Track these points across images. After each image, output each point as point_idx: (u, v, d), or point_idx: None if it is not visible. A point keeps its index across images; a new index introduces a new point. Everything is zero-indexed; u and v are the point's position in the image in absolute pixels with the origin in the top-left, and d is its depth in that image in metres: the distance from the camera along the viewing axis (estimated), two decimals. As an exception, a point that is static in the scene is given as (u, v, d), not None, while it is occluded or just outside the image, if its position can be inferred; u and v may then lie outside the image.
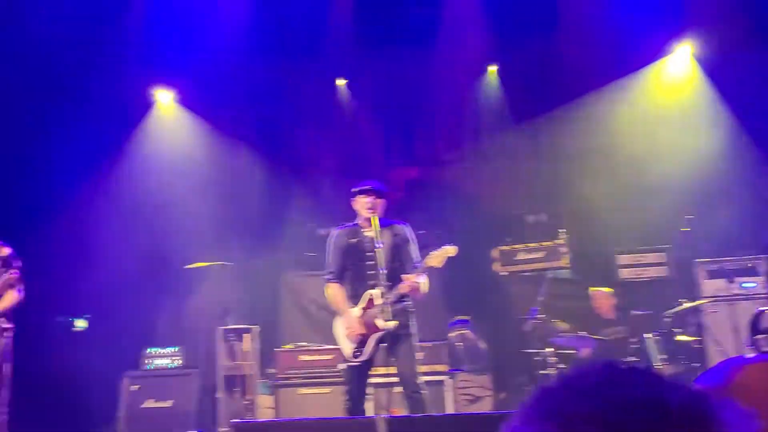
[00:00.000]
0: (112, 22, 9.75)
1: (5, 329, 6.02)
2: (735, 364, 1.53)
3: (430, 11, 9.91)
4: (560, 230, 8.83)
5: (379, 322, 5.77)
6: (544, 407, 0.77)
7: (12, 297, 5.95)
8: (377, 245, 5.95)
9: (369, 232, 6.06)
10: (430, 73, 10.15)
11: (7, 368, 6.03)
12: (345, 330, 6.00)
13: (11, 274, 5.87)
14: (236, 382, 8.49)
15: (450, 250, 5.87)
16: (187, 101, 10.57)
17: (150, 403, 8.31)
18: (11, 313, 6.12)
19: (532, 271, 8.94)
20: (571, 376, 0.81)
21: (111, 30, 9.82)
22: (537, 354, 7.98)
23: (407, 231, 6.25)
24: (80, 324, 9.41)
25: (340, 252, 6.17)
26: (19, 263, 6.05)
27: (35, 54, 9.27)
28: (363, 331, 5.86)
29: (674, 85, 9.96)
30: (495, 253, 9.10)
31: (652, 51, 9.90)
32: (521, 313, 8.45)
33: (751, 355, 1.88)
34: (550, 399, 0.78)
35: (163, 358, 8.79)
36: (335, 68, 10.45)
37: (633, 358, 7.75)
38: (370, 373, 6.08)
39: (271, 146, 10.45)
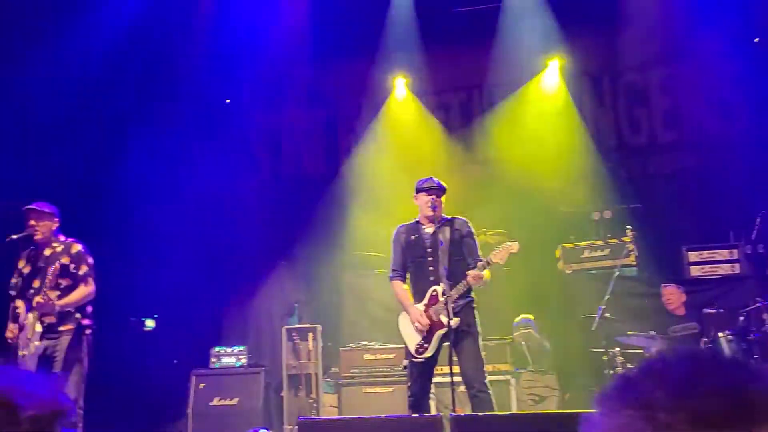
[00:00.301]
0: (185, 36, 10.20)
1: (86, 327, 6.08)
2: None
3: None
4: (627, 227, 8.57)
5: (443, 318, 5.70)
6: (628, 395, 0.77)
7: (83, 291, 5.97)
8: (440, 243, 5.93)
9: (429, 229, 6.08)
10: (489, 70, 10.05)
11: (85, 365, 6.11)
12: (409, 326, 5.95)
13: (84, 265, 5.96)
14: (300, 381, 8.55)
15: (513, 246, 5.84)
16: (250, 106, 10.62)
17: (217, 401, 8.41)
18: (90, 312, 6.13)
19: (598, 269, 8.80)
20: (654, 364, 0.81)
21: (181, 42, 10.23)
22: (603, 353, 7.80)
23: (467, 226, 6.20)
24: (150, 324, 9.63)
25: (401, 249, 6.21)
26: (91, 260, 6.14)
27: (116, 65, 9.62)
28: (423, 325, 5.82)
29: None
30: (559, 251, 8.95)
31: None
32: (587, 311, 8.21)
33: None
34: (634, 387, 0.78)
35: (229, 356, 8.91)
36: (396, 66, 10.46)
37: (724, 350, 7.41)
38: (433, 371, 6.03)
39: (331, 147, 10.54)
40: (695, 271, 8.87)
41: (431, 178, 6.23)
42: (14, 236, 6.12)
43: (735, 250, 8.77)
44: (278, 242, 9.78)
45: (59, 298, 5.84)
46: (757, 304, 7.75)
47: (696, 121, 9.59)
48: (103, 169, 9.81)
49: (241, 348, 8.94)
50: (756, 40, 7.55)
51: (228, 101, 10.64)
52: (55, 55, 8.93)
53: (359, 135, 10.49)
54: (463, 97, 10.43)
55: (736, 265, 8.74)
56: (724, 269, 8.83)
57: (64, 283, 5.91)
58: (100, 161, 9.75)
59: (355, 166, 10.34)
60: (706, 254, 8.90)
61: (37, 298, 5.74)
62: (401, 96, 10.58)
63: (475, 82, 10.30)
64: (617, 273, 7.88)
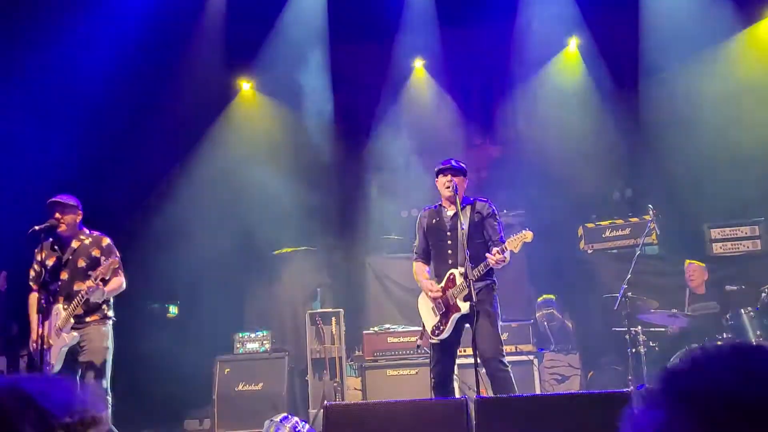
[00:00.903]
0: (197, 22, 10.17)
1: (110, 317, 6.14)
2: None
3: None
4: (648, 206, 8.53)
5: (459, 302, 5.75)
6: (675, 389, 0.77)
7: (118, 282, 6.01)
8: (461, 227, 5.91)
9: (450, 212, 6.07)
10: (508, 51, 10.00)
11: (111, 354, 6.13)
12: (427, 307, 6.02)
13: (114, 258, 5.97)
14: (324, 365, 8.60)
15: (527, 236, 5.80)
16: (267, 90, 10.73)
17: (242, 387, 8.48)
18: (112, 304, 6.19)
19: (620, 248, 8.86)
20: (698, 358, 0.80)
21: (195, 28, 10.23)
22: (626, 332, 7.79)
23: (488, 207, 6.17)
24: (173, 310, 9.91)
25: (422, 232, 6.23)
26: (118, 253, 6.16)
27: (133, 55, 9.56)
28: (441, 305, 5.86)
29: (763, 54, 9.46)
30: (580, 230, 8.95)
31: (744, 16, 9.49)
32: (609, 291, 8.30)
33: None
34: (680, 381, 0.78)
35: (253, 342, 8.99)
36: (414, 49, 10.37)
37: (727, 335, 7.54)
38: (456, 352, 6.05)
39: (352, 131, 10.57)
40: (717, 249, 8.90)
41: (450, 159, 6.20)
42: (37, 227, 6.09)
43: (756, 227, 8.77)
44: (300, 227, 9.71)
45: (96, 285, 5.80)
46: None
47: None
48: (126, 160, 9.92)
49: (265, 333, 9.00)
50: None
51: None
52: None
53: (379, 119, 10.41)
54: (483, 79, 10.28)
55: (758, 241, 8.72)
56: (746, 246, 8.84)
57: (96, 272, 5.85)
58: (124, 152, 9.88)
59: (376, 150, 10.28)
60: (728, 231, 8.90)
61: (89, 282, 5.69)
62: (419, 79, 10.51)
63: (494, 63, 10.14)
64: (639, 252, 7.87)
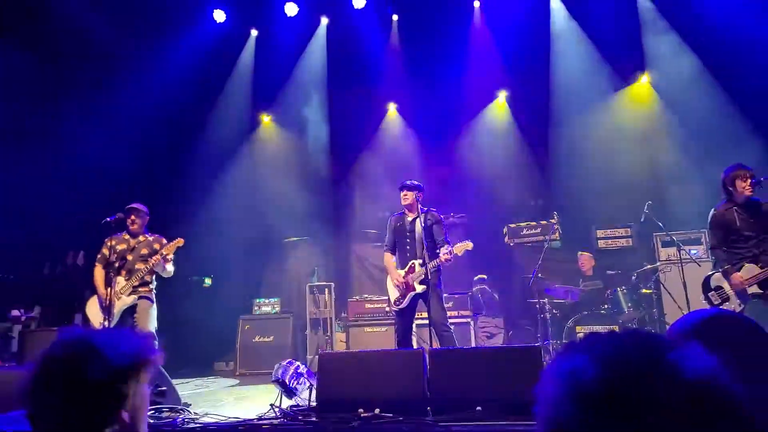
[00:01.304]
0: (232, 69, 10.40)
1: (154, 289, 6.03)
2: (699, 314, 1.46)
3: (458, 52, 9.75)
4: (554, 212, 8.76)
5: (416, 285, 5.91)
6: (570, 348, 0.77)
7: (171, 267, 5.96)
8: (418, 229, 6.09)
9: (410, 217, 6.19)
10: (456, 99, 10.02)
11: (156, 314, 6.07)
12: (392, 285, 6.13)
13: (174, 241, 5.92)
14: (319, 324, 8.70)
15: (469, 245, 5.95)
16: (281, 122, 10.77)
17: (258, 339, 8.56)
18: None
19: (533, 242, 8.97)
20: (588, 337, 0.79)
21: (230, 73, 10.43)
22: (536, 302, 8.00)
23: (437, 216, 6.25)
24: (207, 281, 9.87)
25: (391, 232, 6.32)
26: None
27: (184, 92, 9.69)
28: (403, 287, 5.98)
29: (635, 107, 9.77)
30: (505, 229, 9.19)
31: (621, 80, 9.71)
32: (525, 272, 8.54)
33: (708, 307, 1.71)
34: (574, 345, 0.78)
35: (267, 306, 9.04)
36: (389, 95, 10.44)
37: (607, 305, 7.73)
38: (413, 317, 6.16)
39: (342, 153, 10.58)
40: (601, 244, 9.10)
41: (406, 180, 6.31)
42: (108, 219, 5.90)
43: (629, 229, 8.99)
44: (303, 222, 9.73)
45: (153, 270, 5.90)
46: (644, 268, 8.10)
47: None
48: (181, 167, 10.01)
49: (276, 300, 9.05)
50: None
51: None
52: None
53: (362, 145, 10.51)
54: (439, 118, 10.34)
55: (630, 239, 8.95)
56: (621, 242, 9.02)
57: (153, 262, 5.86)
58: (179, 161, 10.05)
59: (359, 167, 10.39)
60: (609, 231, 9.08)
61: (156, 257, 5.73)
62: (392, 117, 10.57)
63: (446, 106, 10.13)
64: (546, 245, 8.07)
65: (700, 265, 7.39)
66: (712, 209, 5.54)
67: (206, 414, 4.59)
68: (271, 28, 9.89)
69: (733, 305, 5.39)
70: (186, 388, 6.64)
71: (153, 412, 4.51)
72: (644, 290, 7.94)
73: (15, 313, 6.63)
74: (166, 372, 5.17)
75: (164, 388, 4.81)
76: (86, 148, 8.30)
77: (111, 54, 8.64)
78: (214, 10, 9.43)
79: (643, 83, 9.49)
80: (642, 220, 7.92)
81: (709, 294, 5.65)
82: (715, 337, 1.28)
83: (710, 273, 5.66)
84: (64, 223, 8.05)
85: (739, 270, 5.27)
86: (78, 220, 7.70)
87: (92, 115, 8.60)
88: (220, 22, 9.57)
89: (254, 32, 10.09)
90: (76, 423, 1.33)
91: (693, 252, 7.82)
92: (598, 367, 0.70)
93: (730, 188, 5.40)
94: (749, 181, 5.28)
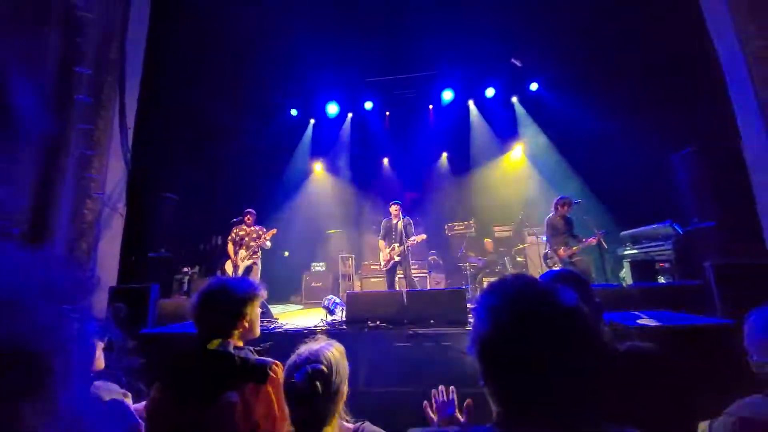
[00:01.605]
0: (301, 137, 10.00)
1: (259, 257, 6.01)
2: (555, 271, 1.42)
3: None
4: (472, 217, 8.69)
5: (395, 257, 5.92)
6: (485, 291, 0.71)
7: (268, 244, 5.86)
8: (400, 227, 6.04)
9: (395, 221, 6.14)
10: (420, 155, 9.97)
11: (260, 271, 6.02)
12: (382, 257, 6.12)
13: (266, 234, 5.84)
14: (347, 276, 8.54)
15: (423, 237, 5.99)
16: (328, 168, 10.55)
17: (314, 284, 8.44)
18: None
19: (461, 233, 8.91)
20: (493, 283, 0.72)
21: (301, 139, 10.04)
22: (462, 266, 8.03)
23: (409, 220, 6.23)
24: (286, 253, 9.66)
25: (384, 227, 6.27)
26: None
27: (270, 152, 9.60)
28: (388, 258, 5.98)
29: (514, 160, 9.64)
30: (446, 226, 9.00)
31: (503, 148, 9.61)
32: (456, 250, 8.45)
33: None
34: (487, 289, 0.72)
35: (318, 266, 8.93)
36: (384, 153, 10.31)
37: (499, 267, 7.85)
38: (394, 274, 6.11)
39: (361, 186, 10.33)
40: (497, 234, 8.85)
41: (395, 200, 6.30)
42: (234, 220, 5.92)
43: (511, 226, 8.83)
44: (338, 222, 9.68)
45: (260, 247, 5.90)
46: (519, 247, 7.98)
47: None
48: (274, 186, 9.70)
49: (323, 263, 8.98)
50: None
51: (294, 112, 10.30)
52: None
53: (370, 185, 10.27)
54: (414, 163, 10.15)
55: (511, 232, 8.79)
56: (507, 233, 8.82)
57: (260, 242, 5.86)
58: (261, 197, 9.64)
59: (368, 194, 10.11)
60: (500, 227, 8.89)
61: (262, 239, 5.74)
62: (386, 167, 10.35)
63: (414, 159, 10.01)
64: (467, 235, 8.21)
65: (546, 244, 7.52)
66: (546, 218, 5.70)
67: (286, 323, 4.59)
68: (320, 118, 9.92)
69: (558, 267, 5.52)
70: (275, 309, 6.65)
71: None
72: (518, 258, 7.99)
73: (185, 269, 6.67)
74: (265, 302, 5.23)
75: (264, 310, 4.86)
76: (225, 182, 8.36)
77: (228, 129, 8.54)
78: (291, 109, 9.50)
79: (518, 149, 9.51)
80: (518, 220, 8.04)
81: (546, 261, 5.76)
82: (564, 281, 1.30)
83: (545, 251, 5.78)
84: (210, 219, 8.08)
85: (560, 249, 5.44)
86: (218, 217, 7.69)
87: (230, 165, 8.59)
88: (294, 114, 9.63)
89: (312, 120, 10.13)
90: (220, 326, 1.33)
91: (543, 239, 7.95)
92: (504, 299, 0.64)
93: (559, 207, 5.58)
94: (566, 207, 5.53)
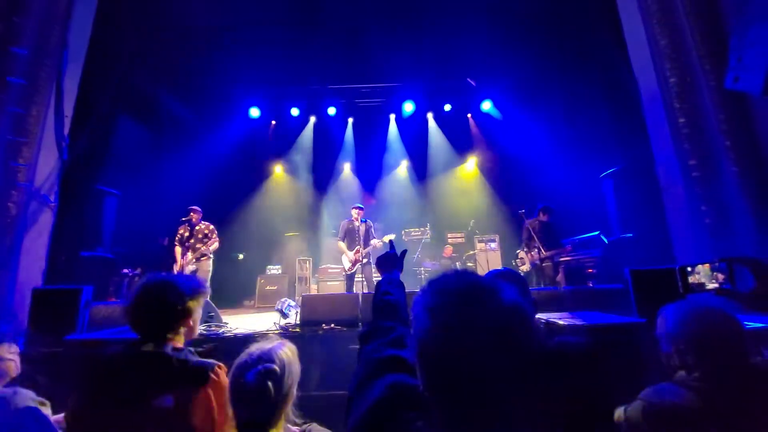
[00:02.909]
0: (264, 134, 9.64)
1: (209, 259, 5.74)
2: (496, 270, 1.46)
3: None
4: (427, 223, 8.93)
5: (358, 259, 5.90)
6: (427, 287, 0.68)
7: (216, 245, 5.63)
8: (361, 230, 6.07)
9: (357, 223, 6.13)
10: (380, 162, 9.99)
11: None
12: (346, 260, 6.07)
13: (215, 235, 5.61)
14: (303, 279, 8.36)
15: (392, 236, 5.99)
16: (287, 170, 10.23)
17: (268, 287, 8.01)
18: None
19: (418, 238, 9.01)
20: (433, 278, 0.70)
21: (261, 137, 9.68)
22: (419, 271, 8.12)
23: (370, 223, 6.30)
24: (240, 256, 9.28)
25: (344, 229, 6.24)
26: (216, 231, 5.78)
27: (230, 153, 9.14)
28: (354, 260, 5.95)
29: (467, 172, 10.03)
30: (403, 232, 9.17)
31: (458, 159, 9.98)
32: (412, 254, 8.51)
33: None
34: (428, 284, 0.68)
35: (274, 269, 8.54)
36: (345, 158, 10.19)
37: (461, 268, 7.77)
38: (356, 277, 6.08)
39: (318, 189, 10.16)
40: (450, 240, 9.07)
41: (356, 204, 6.32)
42: (183, 219, 5.58)
43: (463, 233, 9.02)
44: (295, 224, 9.44)
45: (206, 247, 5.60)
46: (470, 252, 8.19)
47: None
48: (227, 196, 9.21)
49: (278, 266, 8.63)
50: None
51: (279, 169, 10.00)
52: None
53: (329, 185, 10.14)
54: (374, 172, 10.15)
55: (464, 238, 9.00)
56: (460, 239, 9.03)
57: (206, 241, 5.55)
58: (224, 193, 9.20)
59: (327, 197, 10.01)
60: (453, 234, 9.10)
61: (203, 249, 5.49)
62: (347, 175, 10.24)
63: (374, 165, 10.09)
64: (423, 240, 8.36)
65: (495, 251, 7.92)
66: (527, 221, 5.94)
67: (237, 327, 4.36)
68: (283, 121, 9.66)
69: (526, 268, 5.82)
70: (225, 315, 6.32)
71: (205, 327, 4.30)
72: (469, 263, 8.22)
73: (125, 271, 6.13)
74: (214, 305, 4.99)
75: (213, 314, 4.63)
76: (176, 178, 7.85)
77: (180, 122, 8.09)
78: (251, 107, 9.16)
79: (471, 161, 9.85)
80: (469, 228, 8.42)
81: (516, 261, 6.06)
82: (504, 278, 1.31)
83: (517, 251, 6.08)
84: (157, 218, 7.54)
85: (532, 252, 5.77)
86: (166, 216, 7.19)
87: (182, 161, 8.10)
88: (254, 117, 9.27)
89: (273, 122, 9.83)
90: (161, 326, 1.26)
91: (492, 245, 8.38)
92: (445, 297, 0.61)
93: (540, 214, 5.92)
94: (546, 215, 5.87)
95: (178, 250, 5.56)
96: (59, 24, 4.13)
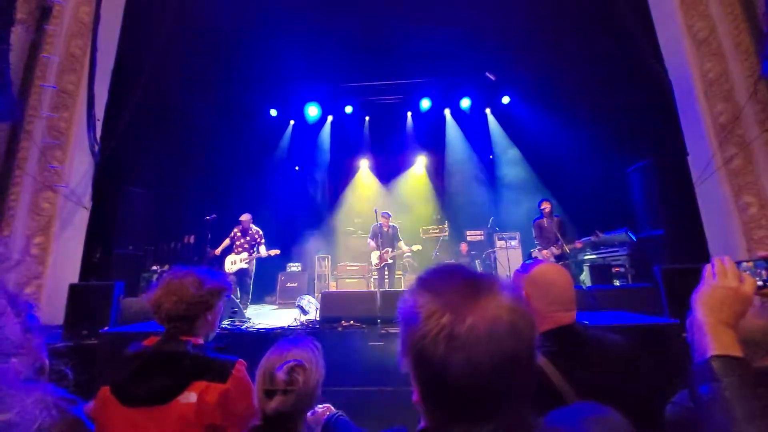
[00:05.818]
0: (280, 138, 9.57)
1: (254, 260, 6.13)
2: (528, 265, 1.38)
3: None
4: (446, 221, 8.89)
5: (388, 259, 6.15)
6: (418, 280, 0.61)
7: (264, 250, 6.12)
8: (388, 234, 6.28)
9: (385, 228, 6.35)
10: (397, 158, 9.88)
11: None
12: (375, 258, 6.28)
13: (261, 238, 6.17)
14: (322, 277, 8.44)
15: (419, 246, 6.32)
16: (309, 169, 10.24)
17: (289, 284, 8.10)
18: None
19: (436, 236, 8.85)
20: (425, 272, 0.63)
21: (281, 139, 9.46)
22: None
23: (396, 228, 6.54)
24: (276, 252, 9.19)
25: (374, 231, 6.38)
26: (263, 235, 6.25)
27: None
28: (382, 259, 6.15)
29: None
30: (422, 229, 9.08)
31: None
32: (432, 252, 8.24)
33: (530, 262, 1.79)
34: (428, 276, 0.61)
35: (294, 267, 8.55)
36: (363, 155, 10.10)
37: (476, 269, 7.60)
38: (384, 274, 6.28)
39: (333, 190, 10.05)
40: (469, 238, 8.91)
41: (385, 211, 6.56)
42: (207, 218, 5.73)
43: (481, 231, 8.86)
44: (316, 222, 9.42)
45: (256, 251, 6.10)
46: (489, 251, 8.03)
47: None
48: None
49: (298, 264, 8.64)
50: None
51: (297, 168, 10.04)
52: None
53: (345, 184, 10.13)
54: (392, 168, 10.02)
55: (483, 236, 8.81)
56: (479, 237, 8.86)
57: (254, 244, 6.12)
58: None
59: (343, 196, 10.00)
60: (473, 231, 8.90)
61: (256, 255, 6.07)
62: (365, 168, 10.26)
63: (391, 162, 9.95)
64: (441, 239, 8.11)
65: (515, 249, 7.72)
66: (535, 219, 5.84)
67: (259, 323, 4.46)
68: (300, 120, 9.73)
69: None
70: (249, 310, 6.47)
71: (229, 322, 4.36)
72: (487, 262, 8.10)
73: (154, 268, 6.37)
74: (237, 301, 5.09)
75: (236, 309, 4.71)
76: (200, 179, 8.03)
77: (204, 125, 8.27)
78: (271, 109, 9.30)
79: (489, 157, 9.45)
80: (488, 226, 8.23)
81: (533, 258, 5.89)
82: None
83: (532, 249, 5.91)
84: (183, 217, 7.72)
85: (545, 249, 5.62)
86: (192, 215, 7.39)
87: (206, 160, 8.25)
88: (273, 115, 9.41)
89: (292, 122, 9.91)
90: (185, 315, 1.27)
91: (512, 243, 8.17)
92: (436, 295, 0.56)
93: (541, 214, 5.80)
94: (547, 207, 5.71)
95: (227, 242, 6.00)
96: (89, 31, 4.29)
